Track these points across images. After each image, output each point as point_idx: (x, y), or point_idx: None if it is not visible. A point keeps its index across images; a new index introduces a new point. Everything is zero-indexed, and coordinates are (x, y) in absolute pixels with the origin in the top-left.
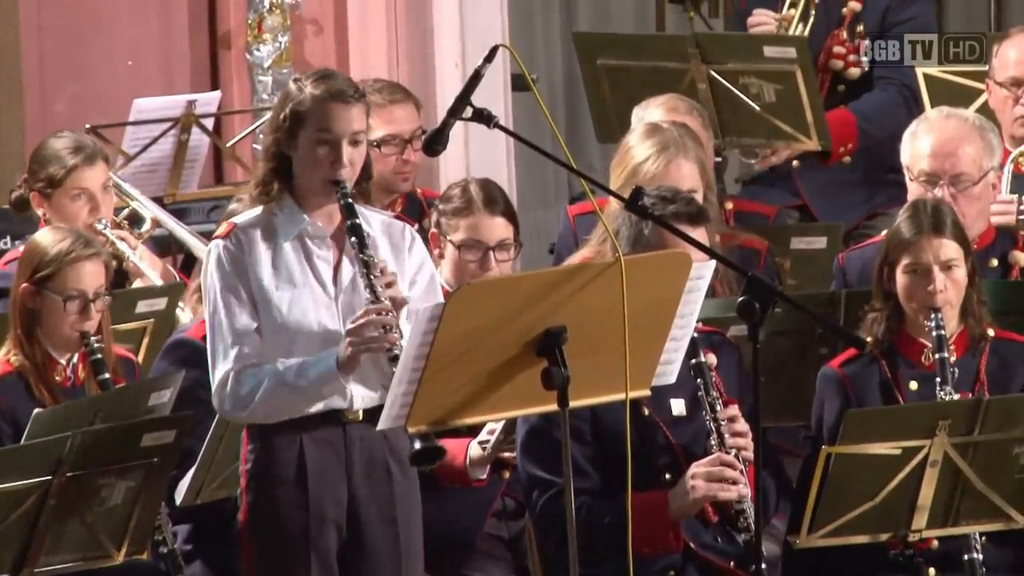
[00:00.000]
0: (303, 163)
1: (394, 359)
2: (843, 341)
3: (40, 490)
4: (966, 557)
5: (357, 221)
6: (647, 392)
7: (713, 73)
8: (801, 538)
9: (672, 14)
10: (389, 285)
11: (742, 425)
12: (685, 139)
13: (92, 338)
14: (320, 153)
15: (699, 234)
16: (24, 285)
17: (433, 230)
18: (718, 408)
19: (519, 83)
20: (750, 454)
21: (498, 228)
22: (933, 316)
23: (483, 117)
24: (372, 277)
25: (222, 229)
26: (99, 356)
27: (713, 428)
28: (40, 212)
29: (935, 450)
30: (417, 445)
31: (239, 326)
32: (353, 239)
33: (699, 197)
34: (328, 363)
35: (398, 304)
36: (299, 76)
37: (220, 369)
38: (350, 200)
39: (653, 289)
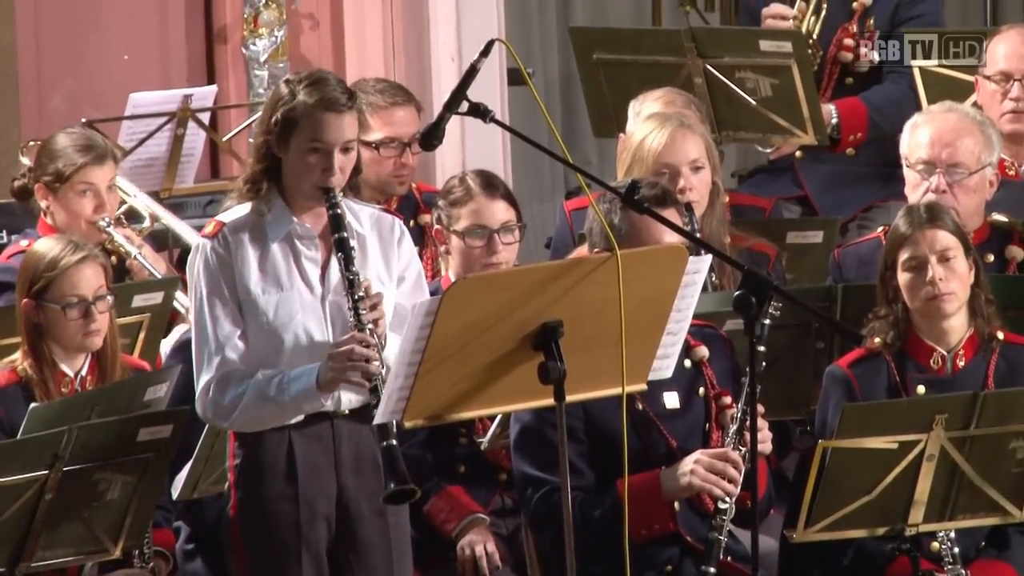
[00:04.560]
0: (294, 168)
1: (373, 390)
2: (840, 335)
3: (37, 485)
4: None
5: (344, 235)
6: (643, 386)
7: (709, 67)
8: (798, 532)
9: (668, 8)
10: (374, 307)
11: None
12: (686, 115)
13: None
14: (311, 160)
15: (669, 215)
16: (25, 300)
17: (436, 226)
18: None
19: (515, 77)
20: (768, 446)
21: (500, 211)
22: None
23: (479, 111)
24: (356, 299)
25: (210, 228)
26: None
27: (734, 423)
28: (44, 204)
29: (932, 444)
30: (392, 486)
31: (222, 333)
32: (340, 255)
33: (707, 174)
34: (308, 381)
35: (382, 330)
36: (291, 78)
37: (203, 376)
38: (339, 211)
39: (649, 283)
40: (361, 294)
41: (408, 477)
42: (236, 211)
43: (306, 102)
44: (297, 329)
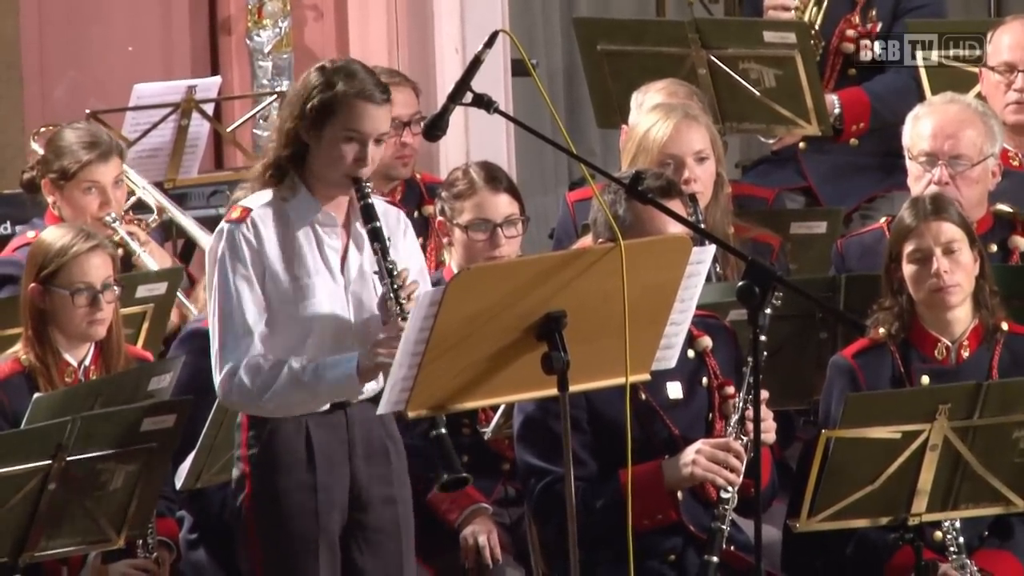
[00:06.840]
0: (325, 156)
1: None
2: (843, 325)
3: (40, 474)
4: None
5: (378, 224)
6: (647, 376)
7: (713, 58)
8: (801, 522)
9: None
10: (410, 297)
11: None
12: (691, 106)
13: None
14: (345, 149)
15: (674, 206)
16: (32, 285)
17: (439, 218)
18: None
19: (519, 68)
20: (771, 435)
21: (503, 204)
22: None
23: (483, 102)
24: (396, 288)
25: (236, 213)
26: None
27: (736, 412)
28: (50, 200)
29: (935, 434)
30: (445, 476)
31: (251, 318)
32: (376, 244)
33: (711, 165)
34: (348, 368)
35: None
36: (325, 65)
37: (228, 360)
38: (370, 201)
39: (653, 273)
40: (400, 283)
41: (459, 465)
42: (259, 197)
43: (346, 91)
44: (324, 316)
